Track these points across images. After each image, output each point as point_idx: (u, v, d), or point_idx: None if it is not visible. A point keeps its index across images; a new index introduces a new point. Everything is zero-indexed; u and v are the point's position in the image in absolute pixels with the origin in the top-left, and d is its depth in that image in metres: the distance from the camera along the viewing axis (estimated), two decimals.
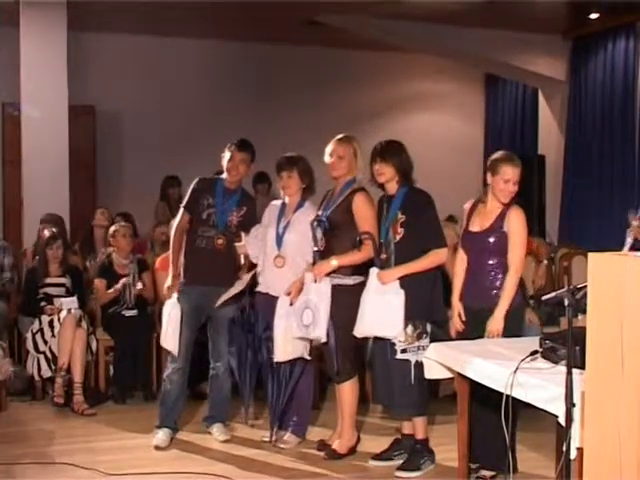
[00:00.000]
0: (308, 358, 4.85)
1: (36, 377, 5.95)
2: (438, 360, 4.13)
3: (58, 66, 7.57)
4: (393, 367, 4.48)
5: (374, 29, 9.42)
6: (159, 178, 8.97)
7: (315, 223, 4.76)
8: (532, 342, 3.70)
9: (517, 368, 3.36)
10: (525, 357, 3.44)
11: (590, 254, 2.70)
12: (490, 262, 4.35)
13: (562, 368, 3.07)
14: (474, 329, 4.34)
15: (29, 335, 5.99)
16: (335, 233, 4.67)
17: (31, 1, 7.39)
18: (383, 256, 4.55)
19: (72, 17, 7.58)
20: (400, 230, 4.48)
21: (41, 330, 5.96)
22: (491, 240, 4.32)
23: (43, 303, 6.11)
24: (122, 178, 10.03)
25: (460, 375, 4.02)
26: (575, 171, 10.05)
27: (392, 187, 4.57)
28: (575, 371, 2.97)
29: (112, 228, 6.52)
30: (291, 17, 9.00)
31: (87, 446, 5.04)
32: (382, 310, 4.40)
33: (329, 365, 4.82)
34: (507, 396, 3.35)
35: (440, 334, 5.89)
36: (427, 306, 4.55)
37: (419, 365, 4.29)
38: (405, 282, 4.42)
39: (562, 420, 3.04)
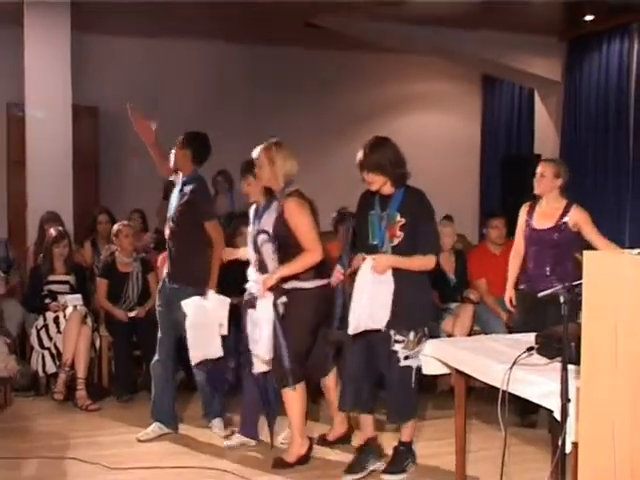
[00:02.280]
0: None
1: (40, 373, 5.96)
2: (435, 356, 4.15)
3: (62, 67, 7.56)
4: (396, 374, 4.27)
5: (371, 32, 9.42)
6: (161, 178, 8.94)
7: (259, 237, 4.58)
8: (528, 338, 3.70)
9: (514, 364, 3.37)
10: (521, 353, 3.45)
11: (585, 252, 2.70)
12: (551, 255, 5.04)
13: (557, 364, 3.08)
14: (537, 313, 4.73)
15: (34, 331, 5.99)
16: (280, 245, 4.49)
17: (35, 2, 7.37)
18: None
19: (76, 19, 7.56)
20: (400, 234, 4.20)
21: (46, 326, 5.96)
22: (556, 236, 5.02)
23: (47, 300, 6.12)
24: (125, 177, 10.01)
25: (457, 371, 4.03)
26: (570, 170, 10.02)
27: (387, 189, 4.27)
28: (570, 367, 2.98)
29: (115, 227, 6.51)
30: (289, 19, 8.99)
31: (91, 441, 5.05)
32: (373, 302, 4.17)
33: (276, 371, 4.53)
34: (504, 392, 3.36)
35: (434, 328, 5.94)
36: (428, 311, 4.52)
37: (419, 370, 4.25)
38: (407, 288, 4.20)
39: (558, 415, 3.05)
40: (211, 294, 4.96)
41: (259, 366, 4.61)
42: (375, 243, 4.28)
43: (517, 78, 10.85)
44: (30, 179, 7.62)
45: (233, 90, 10.46)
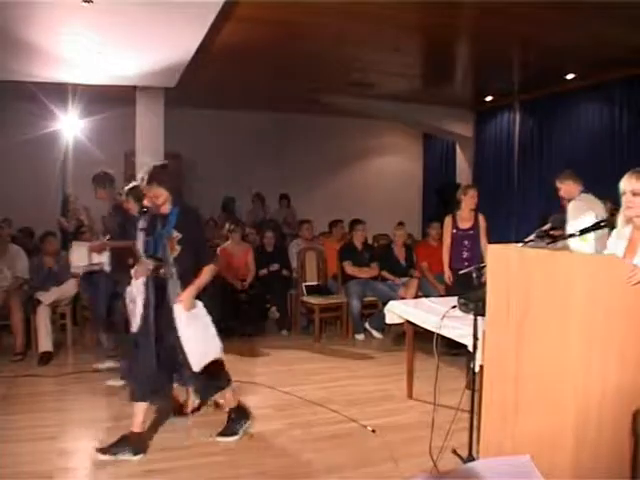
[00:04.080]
0: None
1: None
2: (395, 312, 4.17)
3: (158, 128, 7.58)
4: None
5: (351, 104, 9.45)
6: (219, 198, 9.24)
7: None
8: (453, 300, 3.72)
9: (443, 316, 3.38)
10: (448, 309, 3.46)
11: (489, 245, 2.75)
12: (467, 245, 5.16)
13: (471, 316, 3.11)
14: (457, 282, 4.87)
15: None
16: None
17: (143, 89, 7.44)
18: (162, 271, 3.24)
19: (167, 98, 7.63)
20: (177, 247, 3.23)
21: None
22: (472, 232, 5.15)
23: None
24: (198, 199, 10.03)
25: (408, 321, 4.06)
26: (480, 193, 10.07)
27: (165, 208, 3.31)
28: (479, 318, 3.01)
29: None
30: (299, 97, 9.03)
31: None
32: (203, 334, 3.24)
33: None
34: (437, 334, 3.37)
35: (393, 295, 5.91)
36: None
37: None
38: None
39: (470, 348, 3.08)
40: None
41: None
42: (157, 255, 3.28)
43: (445, 135, 10.84)
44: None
45: (258, 142, 10.43)
